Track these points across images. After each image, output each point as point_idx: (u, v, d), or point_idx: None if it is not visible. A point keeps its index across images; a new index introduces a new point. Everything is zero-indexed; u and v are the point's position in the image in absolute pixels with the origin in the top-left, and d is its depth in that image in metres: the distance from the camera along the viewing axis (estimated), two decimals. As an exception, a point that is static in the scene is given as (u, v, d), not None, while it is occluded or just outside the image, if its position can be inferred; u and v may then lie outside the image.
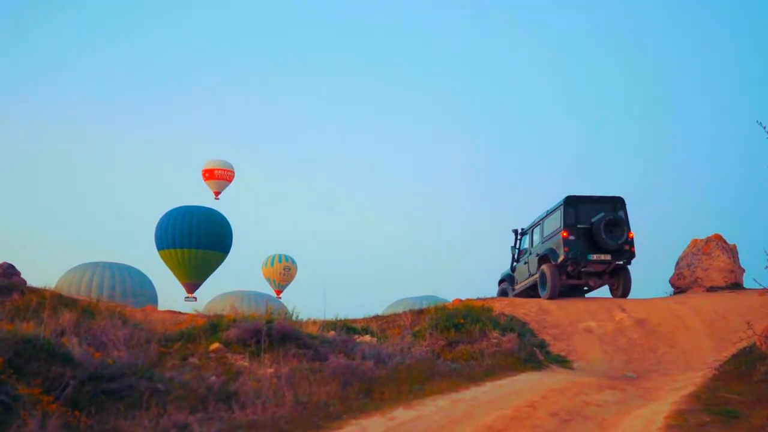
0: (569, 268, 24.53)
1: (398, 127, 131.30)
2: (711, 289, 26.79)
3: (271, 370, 14.09)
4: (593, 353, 20.59)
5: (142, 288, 54.17)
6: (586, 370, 18.87)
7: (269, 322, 15.24)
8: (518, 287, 26.90)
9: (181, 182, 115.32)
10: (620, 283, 25.45)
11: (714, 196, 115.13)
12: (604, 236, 23.90)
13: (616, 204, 24.91)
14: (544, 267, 24.59)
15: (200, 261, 58.09)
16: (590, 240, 24.10)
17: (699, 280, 27.40)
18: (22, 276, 28.11)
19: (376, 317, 23.92)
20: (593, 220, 24.20)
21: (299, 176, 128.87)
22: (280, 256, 67.37)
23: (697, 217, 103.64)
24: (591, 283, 25.45)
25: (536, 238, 26.12)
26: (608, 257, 24.31)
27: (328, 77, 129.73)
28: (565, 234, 24.02)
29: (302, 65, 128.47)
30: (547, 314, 23.19)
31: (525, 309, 23.58)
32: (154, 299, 54.14)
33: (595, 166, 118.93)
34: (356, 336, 20.05)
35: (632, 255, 24.79)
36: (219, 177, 64.21)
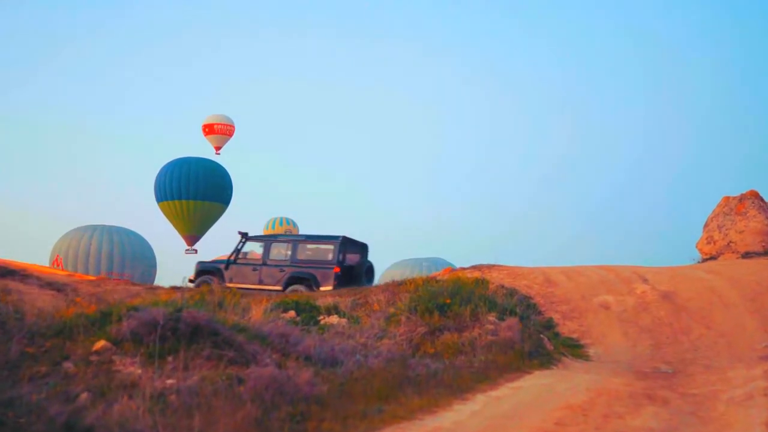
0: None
1: (406, 79, 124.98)
2: (746, 255, 21.85)
3: (170, 382, 9.26)
4: (612, 336, 15.84)
5: (142, 252, 50.33)
6: (605, 360, 14.17)
7: (177, 309, 10.19)
8: (233, 286, 25.11)
9: (181, 138, 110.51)
10: None
11: (747, 146, 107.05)
12: (364, 278, 25.34)
13: (365, 249, 26.64)
14: (300, 287, 24.85)
15: (200, 212, 53.99)
16: (350, 277, 25.14)
17: (732, 244, 22.46)
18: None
19: (352, 291, 19.02)
20: (357, 262, 25.84)
21: (300, 131, 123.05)
22: (281, 218, 63.80)
23: (728, 172, 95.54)
24: None
25: (279, 253, 26.50)
26: None
27: (330, 29, 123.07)
28: (337, 269, 24.82)
29: (303, 17, 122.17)
30: (555, 286, 18.33)
31: (528, 280, 18.72)
32: (153, 263, 50.59)
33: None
34: (321, 317, 15.24)
35: None
36: (219, 132, 59.92)
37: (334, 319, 15.48)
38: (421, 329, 13.20)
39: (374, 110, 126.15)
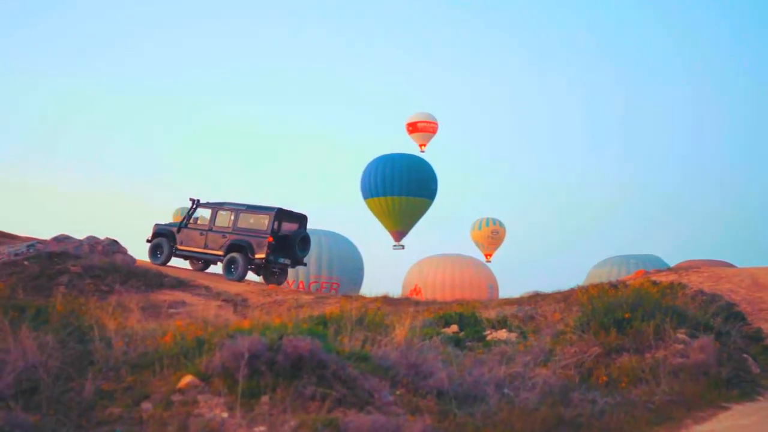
0: (258, 262, 26.41)
1: (610, 73, 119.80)
2: None
3: (260, 430, 7.14)
4: (835, 350, 12.55)
5: (349, 255, 49.45)
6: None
7: (279, 336, 8.04)
8: (182, 248, 27.44)
9: (385, 137, 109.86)
10: (281, 276, 27.77)
11: None
12: (297, 249, 26.58)
13: (303, 220, 27.50)
14: (236, 255, 26.09)
15: (406, 208, 53.46)
16: (284, 246, 26.32)
17: None
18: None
19: (535, 295, 16.58)
20: (292, 233, 26.81)
21: (507, 128, 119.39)
22: (488, 219, 61.61)
23: None
24: (261, 273, 27.56)
25: (223, 220, 27.29)
26: (289, 261, 26.89)
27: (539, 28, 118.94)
28: (270, 239, 25.84)
29: (510, 17, 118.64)
30: (764, 290, 15.24)
31: (732, 284, 15.66)
32: (360, 265, 49.50)
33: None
34: (489, 331, 12.88)
35: (304, 264, 28.65)
36: (423, 129, 59.44)
37: (502, 334, 13.08)
38: (595, 350, 10.53)
39: (579, 103, 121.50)
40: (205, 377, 8.04)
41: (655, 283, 14.09)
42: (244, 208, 26.92)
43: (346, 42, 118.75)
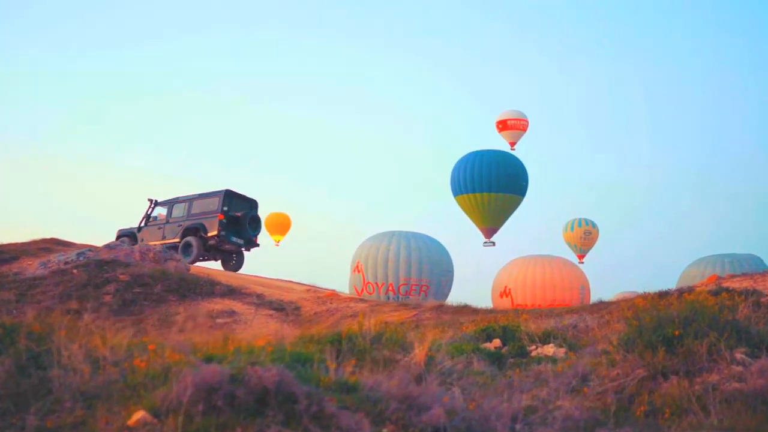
0: (212, 242, 28.46)
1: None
2: None
3: None
4: None
5: (439, 257, 48.56)
6: None
7: (247, 364, 6.76)
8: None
9: (476, 135, 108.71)
10: (238, 261, 30.07)
11: None
12: (247, 227, 28.77)
13: (253, 204, 29.87)
14: (191, 238, 28.08)
15: (497, 204, 52.77)
16: (235, 225, 28.50)
17: None
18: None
19: (597, 305, 15.12)
20: (242, 213, 28.84)
21: (597, 126, 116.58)
22: (580, 220, 60.72)
23: None
24: (218, 257, 29.73)
25: (178, 212, 29.23)
26: (241, 241, 29.07)
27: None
28: (221, 216, 27.80)
29: (606, 13, 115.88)
30: None
31: (815, 290, 13.65)
32: (449, 267, 48.64)
33: None
34: (533, 347, 11.48)
35: (257, 245, 30.24)
36: (513, 127, 58.60)
37: (549, 349, 11.63)
38: (639, 373, 8.95)
39: (674, 100, 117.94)
40: (159, 413, 6.80)
41: (718, 291, 12.31)
42: (196, 196, 29.35)
43: (434, 41, 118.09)
